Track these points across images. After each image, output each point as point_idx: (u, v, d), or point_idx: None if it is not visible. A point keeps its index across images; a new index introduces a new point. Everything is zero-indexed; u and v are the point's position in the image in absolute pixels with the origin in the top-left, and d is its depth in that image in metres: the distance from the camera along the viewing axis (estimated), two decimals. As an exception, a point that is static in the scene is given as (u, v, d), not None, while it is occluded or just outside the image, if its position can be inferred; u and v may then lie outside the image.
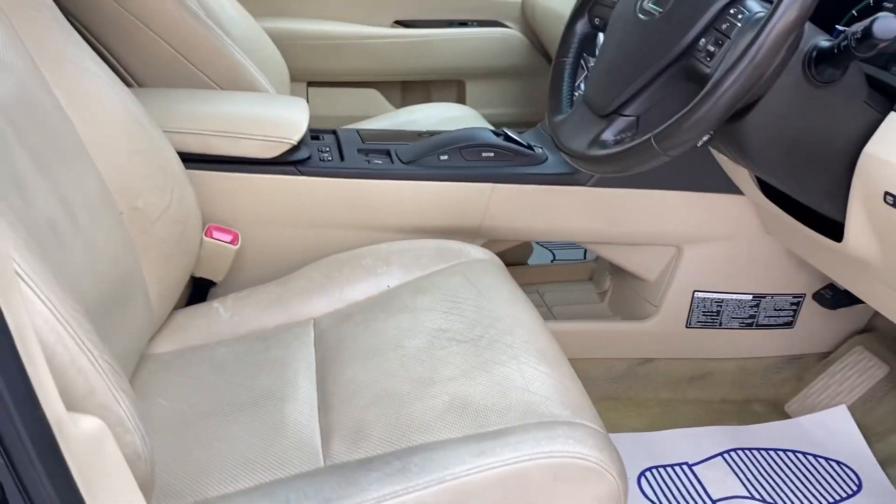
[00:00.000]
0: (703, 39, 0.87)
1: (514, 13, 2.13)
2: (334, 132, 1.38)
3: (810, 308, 1.46)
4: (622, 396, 1.50)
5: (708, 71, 0.85)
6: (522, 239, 1.36)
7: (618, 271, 1.55)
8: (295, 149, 1.21)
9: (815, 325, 1.48)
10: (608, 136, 0.90)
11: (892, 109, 0.88)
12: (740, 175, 1.23)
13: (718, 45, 0.85)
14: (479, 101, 2.07)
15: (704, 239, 1.38)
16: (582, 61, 1.09)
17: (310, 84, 2.04)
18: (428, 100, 2.17)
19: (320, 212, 1.25)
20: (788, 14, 0.75)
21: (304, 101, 1.32)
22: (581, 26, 1.09)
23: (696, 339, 1.46)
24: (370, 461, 0.83)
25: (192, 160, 1.17)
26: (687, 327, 1.45)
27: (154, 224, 1.07)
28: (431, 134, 1.38)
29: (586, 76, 1.31)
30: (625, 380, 1.49)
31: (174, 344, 1.14)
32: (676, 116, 0.78)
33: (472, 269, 1.18)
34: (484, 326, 1.03)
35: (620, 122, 0.90)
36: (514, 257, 1.62)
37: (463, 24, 2.13)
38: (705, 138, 0.83)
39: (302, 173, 1.23)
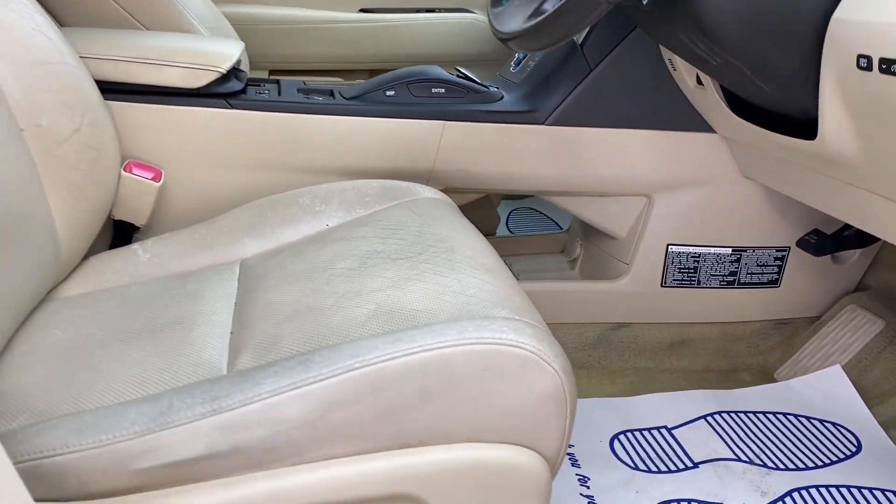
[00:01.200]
0: None
1: (480, 0, 2.07)
2: (277, 81, 1.29)
3: (796, 264, 1.34)
4: (595, 365, 1.37)
5: None
6: (479, 188, 1.25)
7: (588, 235, 1.44)
8: (224, 79, 1.12)
9: (803, 284, 1.36)
10: (548, 5, 0.81)
11: (861, -33, 0.79)
12: (708, 102, 1.13)
13: None
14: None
15: (676, 186, 1.27)
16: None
17: (272, 72, 1.97)
18: (395, 90, 2.09)
19: (253, 150, 1.15)
20: None
21: (241, 42, 1.24)
22: None
23: (673, 300, 1.34)
24: (272, 363, 0.71)
25: (111, 90, 1.08)
26: (662, 287, 1.33)
27: (61, 146, 0.97)
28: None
29: None
30: (597, 347, 1.37)
31: (85, 287, 1.02)
32: None
33: (420, 205, 1.07)
34: (424, 246, 0.92)
35: (560, -10, 0.80)
36: (481, 228, 1.51)
37: (430, 11, 2.07)
38: (651, -9, 0.74)
39: (233, 107, 1.13)
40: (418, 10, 2.06)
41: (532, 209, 2.07)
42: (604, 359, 1.37)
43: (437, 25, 2.01)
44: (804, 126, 0.94)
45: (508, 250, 1.55)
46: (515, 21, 0.85)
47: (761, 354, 1.39)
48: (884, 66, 0.76)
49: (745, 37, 0.83)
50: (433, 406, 0.66)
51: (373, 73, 2.09)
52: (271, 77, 1.98)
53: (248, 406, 0.64)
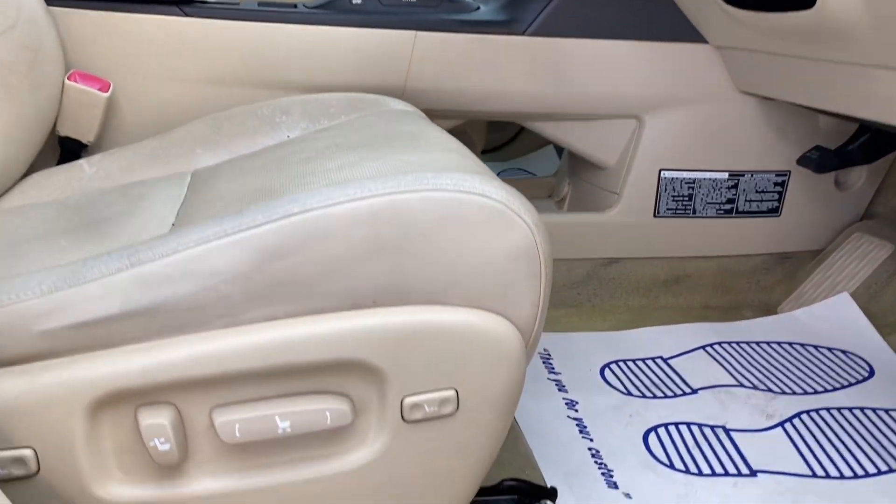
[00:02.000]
0: None
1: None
2: (239, 3, 1.21)
3: (797, 191, 1.25)
4: (585, 304, 1.28)
5: None
6: (458, 109, 1.17)
7: (576, 170, 1.36)
8: (178, -16, 1.04)
9: (805, 213, 1.28)
10: None
11: None
12: (698, 4, 1.06)
13: None
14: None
15: (667, 104, 1.19)
16: None
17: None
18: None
19: (209, 62, 1.07)
20: None
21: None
22: None
23: (667, 231, 1.26)
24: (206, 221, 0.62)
25: (53, -5, 1.00)
26: (655, 216, 1.25)
27: (-8, 42, 0.89)
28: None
29: None
30: (587, 284, 1.28)
31: (22, 200, 0.94)
32: None
33: (390, 114, 0.99)
34: (388, 137, 0.84)
35: None
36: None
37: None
38: None
39: (186, 14, 1.05)
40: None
41: (520, 170, 1.99)
42: (594, 296, 1.28)
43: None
44: (801, 4, 0.86)
45: (493, 194, 1.47)
46: None
47: (763, 290, 1.30)
48: None
49: None
50: (385, 260, 0.57)
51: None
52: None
53: (170, 256, 0.56)
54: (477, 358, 0.60)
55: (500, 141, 2.06)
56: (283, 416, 0.58)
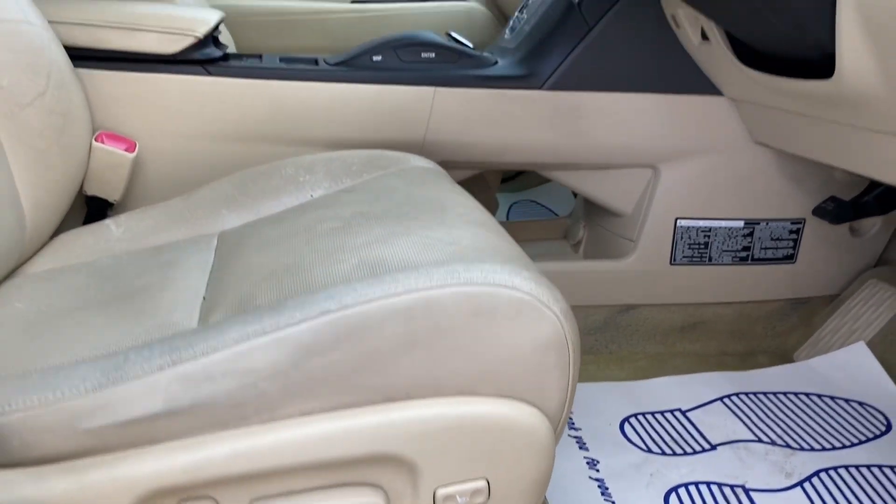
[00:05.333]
0: None
1: (476, -12, 2.02)
2: (259, 56, 1.23)
3: (813, 238, 1.26)
4: (603, 350, 1.29)
5: None
6: (475, 161, 1.19)
7: (592, 215, 1.37)
8: (201, 45, 1.06)
9: (821, 260, 1.29)
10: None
11: None
12: (715, 57, 1.07)
13: None
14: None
15: (683, 154, 1.20)
16: None
17: (262, 66, 1.91)
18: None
19: (233, 120, 1.09)
20: None
21: (219, 11, 1.18)
22: None
23: (683, 278, 1.27)
24: (242, 314, 0.64)
25: (81, 57, 1.02)
26: (672, 264, 1.26)
27: (24, 109, 0.91)
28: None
29: None
30: (605, 331, 1.29)
31: (52, 264, 0.96)
32: None
33: (411, 173, 1.00)
34: (413, 206, 0.85)
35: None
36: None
37: None
38: None
39: (210, 73, 1.07)
40: None
41: (533, 202, 2.00)
42: (612, 343, 1.29)
43: (431, 14, 1.96)
44: (819, 69, 0.87)
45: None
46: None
47: (779, 336, 1.31)
48: (909, -17, 0.69)
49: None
50: (419, 354, 0.59)
51: (366, 66, 2.03)
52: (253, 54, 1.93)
53: (211, 356, 0.57)
54: (508, 447, 0.61)
55: (513, 172, 2.07)
56: (319, 509, 0.59)
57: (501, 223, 1.54)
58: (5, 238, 0.86)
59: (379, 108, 1.11)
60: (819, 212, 1.17)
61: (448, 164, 1.19)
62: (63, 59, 0.97)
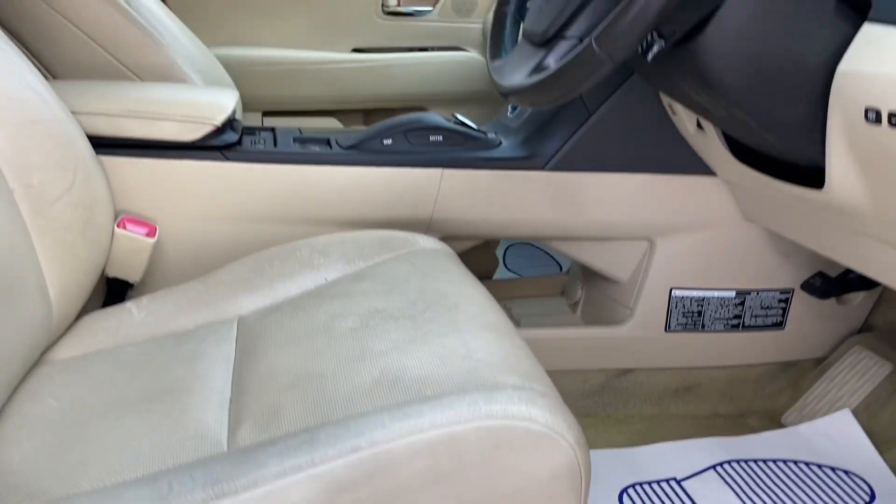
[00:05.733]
0: None
1: (474, 38, 2.07)
2: (272, 129, 1.27)
3: (800, 306, 1.32)
4: (600, 413, 1.34)
5: None
6: (480, 235, 1.24)
7: (590, 278, 1.42)
8: (219, 132, 1.10)
9: (808, 326, 1.35)
10: (550, 60, 0.79)
11: (866, 20, 0.78)
12: (709, 146, 1.12)
13: None
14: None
15: (678, 229, 1.26)
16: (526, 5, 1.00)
17: (265, 113, 1.96)
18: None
19: (250, 203, 1.13)
20: None
21: (235, 91, 1.22)
22: None
23: (677, 345, 1.32)
24: (276, 439, 0.69)
25: (103, 145, 1.06)
26: (666, 331, 1.31)
27: (53, 205, 0.95)
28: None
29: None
30: (602, 394, 1.34)
31: (78, 349, 0.99)
32: (615, 10, 0.68)
33: (420, 257, 1.05)
34: (426, 303, 0.90)
35: (563, 46, 0.79)
36: (479, 271, 1.50)
37: (423, 49, 2.06)
38: (655, 49, 0.73)
39: (228, 159, 1.11)
40: (412, 49, 2.06)
41: (530, 245, 2.05)
42: (609, 406, 1.35)
43: (430, 64, 2.01)
44: (810, 173, 0.93)
45: (507, 293, 1.53)
46: (517, 76, 0.83)
47: (768, 398, 1.37)
48: (894, 121, 0.74)
49: (749, 90, 0.81)
50: (442, 487, 0.64)
51: (367, 112, 2.08)
52: (265, 118, 1.98)
53: (252, 490, 0.62)
54: (523, 567, 0.66)
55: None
56: None
57: (500, 281, 1.59)
58: (35, 328, 0.91)
59: (389, 189, 1.16)
60: (807, 287, 1.23)
61: (454, 237, 1.24)
62: (88, 151, 1.01)
